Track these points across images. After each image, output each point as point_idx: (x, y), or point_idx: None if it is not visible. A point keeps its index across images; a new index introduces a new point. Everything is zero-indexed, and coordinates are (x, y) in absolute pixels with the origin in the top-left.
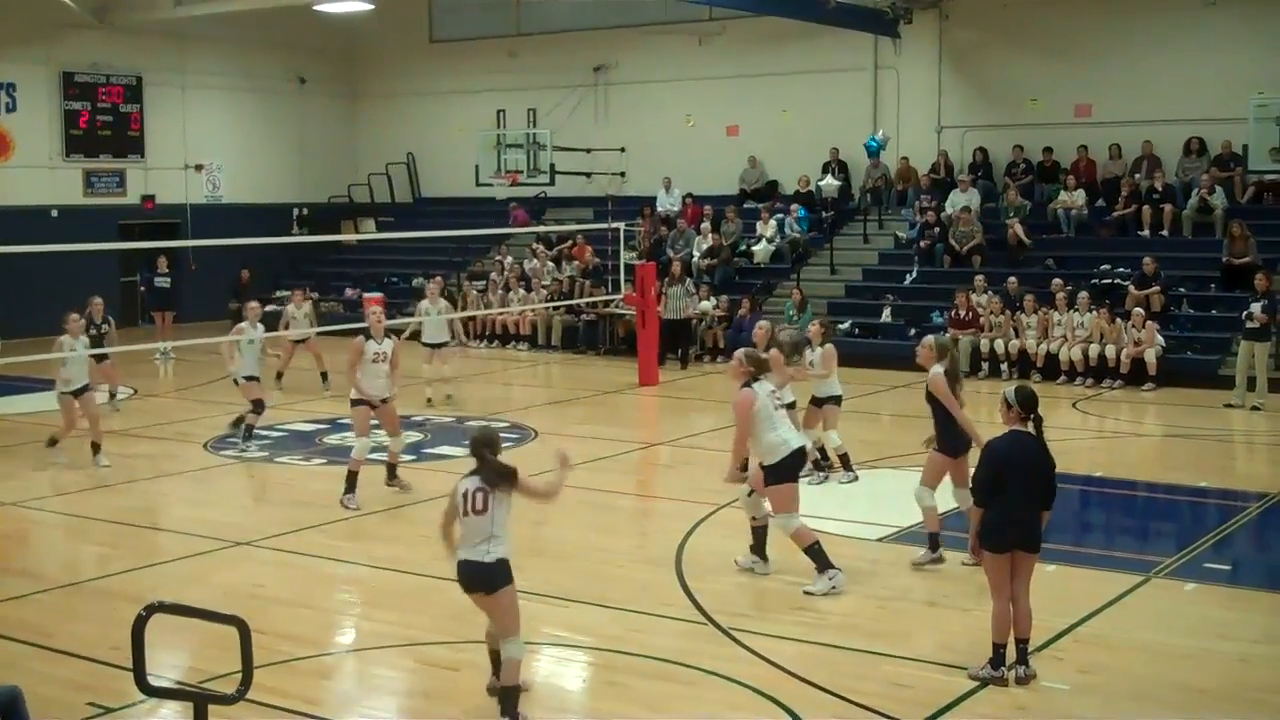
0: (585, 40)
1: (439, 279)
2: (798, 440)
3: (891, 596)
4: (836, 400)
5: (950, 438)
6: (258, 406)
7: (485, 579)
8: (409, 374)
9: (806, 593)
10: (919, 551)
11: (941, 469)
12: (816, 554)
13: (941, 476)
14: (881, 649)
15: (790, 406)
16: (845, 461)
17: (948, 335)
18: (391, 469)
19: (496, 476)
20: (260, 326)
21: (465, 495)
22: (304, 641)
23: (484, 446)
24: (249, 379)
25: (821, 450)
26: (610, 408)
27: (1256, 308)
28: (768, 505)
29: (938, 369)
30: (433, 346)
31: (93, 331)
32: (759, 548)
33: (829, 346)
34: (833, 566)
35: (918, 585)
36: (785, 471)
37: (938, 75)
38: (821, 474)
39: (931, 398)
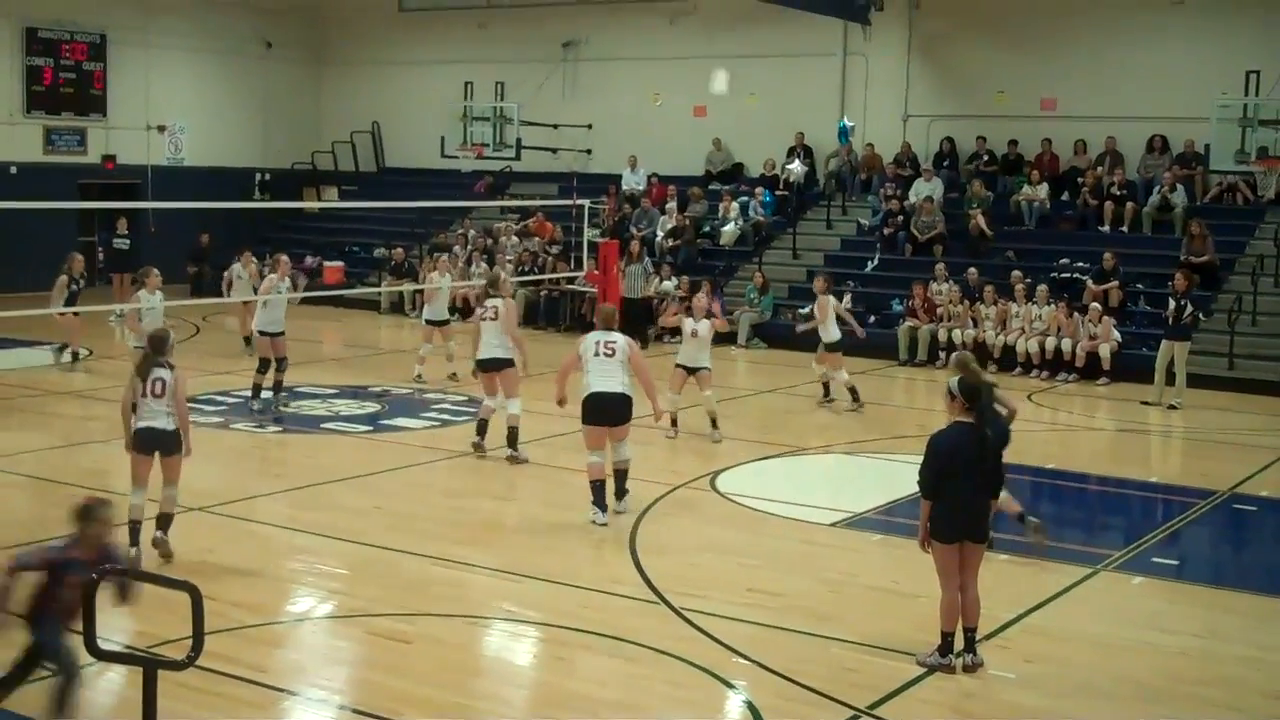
0: (555, 15)
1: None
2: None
3: (843, 581)
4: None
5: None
6: (280, 365)
7: None
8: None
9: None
10: (873, 537)
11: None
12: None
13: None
14: (831, 633)
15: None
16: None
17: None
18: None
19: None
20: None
21: None
22: (255, 609)
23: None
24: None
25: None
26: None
27: (1173, 305)
28: None
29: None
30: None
31: (73, 287)
32: None
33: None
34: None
35: (869, 570)
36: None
37: (906, 64)
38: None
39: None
